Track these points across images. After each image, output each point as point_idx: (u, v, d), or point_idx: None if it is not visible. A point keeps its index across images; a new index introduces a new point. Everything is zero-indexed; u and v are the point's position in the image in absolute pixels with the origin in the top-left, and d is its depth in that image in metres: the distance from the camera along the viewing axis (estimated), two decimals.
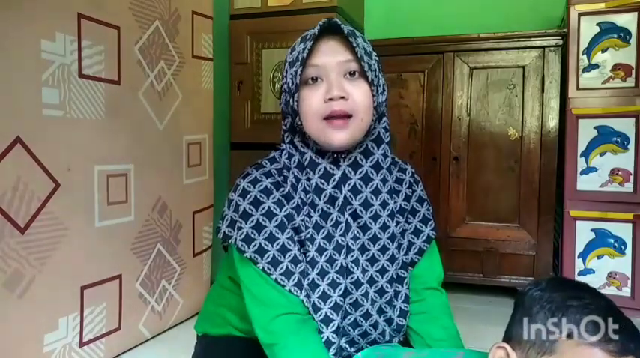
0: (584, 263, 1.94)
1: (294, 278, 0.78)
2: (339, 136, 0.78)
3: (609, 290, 1.90)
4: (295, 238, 0.80)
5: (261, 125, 2.31)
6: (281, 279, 0.77)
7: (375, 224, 0.84)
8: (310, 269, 0.80)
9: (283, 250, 0.78)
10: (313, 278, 0.80)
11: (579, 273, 1.94)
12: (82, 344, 1.36)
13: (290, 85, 0.81)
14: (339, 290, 0.80)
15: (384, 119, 0.86)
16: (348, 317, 0.83)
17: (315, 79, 0.80)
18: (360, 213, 0.83)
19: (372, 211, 0.84)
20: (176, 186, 1.72)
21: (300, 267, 0.79)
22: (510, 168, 2.02)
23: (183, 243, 1.77)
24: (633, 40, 1.85)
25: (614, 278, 1.90)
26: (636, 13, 1.84)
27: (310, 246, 0.80)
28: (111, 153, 1.44)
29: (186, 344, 1.56)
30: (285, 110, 0.85)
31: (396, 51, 2.14)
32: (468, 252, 2.08)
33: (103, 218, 1.41)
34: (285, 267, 0.78)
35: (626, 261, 1.88)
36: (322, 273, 0.80)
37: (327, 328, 0.80)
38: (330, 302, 0.80)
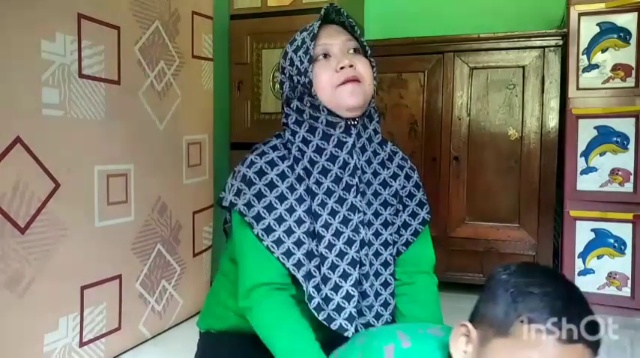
0: (584, 263, 1.94)
1: (283, 248, 0.84)
2: (353, 100, 0.87)
3: (609, 290, 1.90)
4: (300, 208, 0.86)
5: (261, 125, 2.31)
6: (271, 246, 0.84)
7: (369, 190, 0.93)
8: (325, 231, 0.87)
9: (279, 220, 0.85)
10: (328, 244, 0.87)
11: (579, 273, 1.94)
12: (82, 344, 1.36)
13: (299, 65, 0.89)
14: (347, 260, 0.88)
15: (373, 100, 0.95)
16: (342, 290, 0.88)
17: (325, 56, 0.90)
18: (362, 178, 0.91)
19: (366, 178, 0.92)
20: (176, 186, 1.72)
21: (294, 237, 0.85)
22: (510, 168, 2.02)
23: (183, 243, 1.77)
24: (633, 40, 1.85)
25: (614, 278, 1.90)
26: (636, 13, 1.84)
27: (322, 210, 0.88)
28: (111, 153, 1.44)
29: (186, 344, 1.56)
30: (292, 95, 0.92)
31: (396, 51, 2.14)
32: (468, 252, 2.08)
33: (103, 218, 1.41)
34: (277, 236, 0.84)
35: (626, 261, 1.88)
36: (329, 247, 0.87)
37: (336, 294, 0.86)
38: (339, 272, 0.87)
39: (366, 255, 0.90)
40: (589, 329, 0.57)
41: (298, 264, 0.84)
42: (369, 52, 0.94)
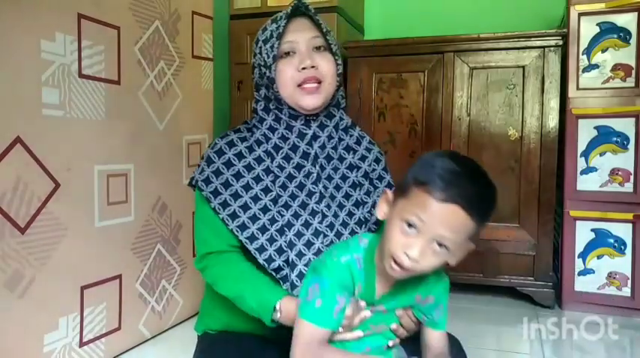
0: (584, 263, 1.94)
1: (238, 221, 0.91)
2: (311, 100, 0.92)
3: (609, 291, 1.90)
4: (257, 187, 0.93)
5: None
6: (226, 219, 0.91)
7: (336, 174, 0.98)
8: (285, 211, 0.92)
9: (235, 196, 0.92)
10: (288, 219, 0.92)
11: (579, 273, 1.94)
12: (82, 344, 1.36)
13: (266, 58, 0.93)
14: (311, 230, 0.92)
15: (341, 88, 1.00)
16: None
17: (288, 53, 0.93)
18: (324, 165, 0.97)
19: (332, 164, 0.98)
20: (176, 186, 1.72)
21: (250, 212, 0.91)
22: (510, 168, 2.02)
23: (183, 243, 1.77)
24: (633, 40, 1.85)
25: (614, 278, 1.90)
26: (636, 13, 1.84)
27: (283, 192, 0.93)
28: (111, 153, 1.44)
29: (186, 344, 1.56)
30: (260, 82, 0.97)
31: (396, 51, 2.15)
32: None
33: (103, 218, 1.41)
34: (232, 210, 0.91)
35: (626, 261, 1.88)
36: (296, 216, 0.92)
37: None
38: (304, 240, 0.92)
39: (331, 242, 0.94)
40: (477, 199, 0.70)
41: (252, 238, 0.90)
42: (335, 48, 0.96)
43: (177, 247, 1.74)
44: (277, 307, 0.83)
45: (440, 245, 0.70)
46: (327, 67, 0.93)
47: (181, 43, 1.72)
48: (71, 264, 1.31)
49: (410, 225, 0.70)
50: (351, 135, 1.03)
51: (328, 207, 0.94)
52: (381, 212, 0.78)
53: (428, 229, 0.69)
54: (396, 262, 0.71)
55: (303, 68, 0.91)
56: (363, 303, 0.78)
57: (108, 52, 1.41)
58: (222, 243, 0.93)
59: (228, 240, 0.92)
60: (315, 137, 0.96)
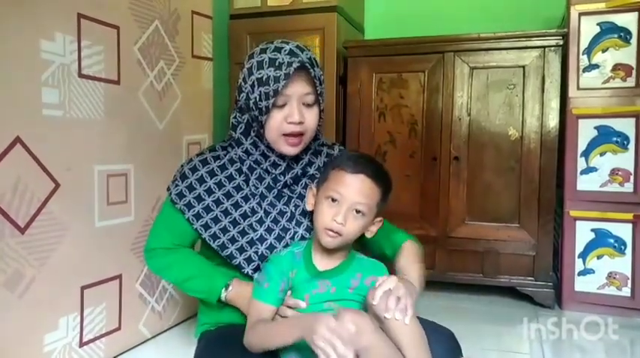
0: (584, 263, 1.94)
1: (210, 231, 1.03)
2: (291, 150, 1.02)
3: (609, 291, 1.90)
4: (227, 202, 1.03)
5: None
6: (200, 229, 1.03)
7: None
8: (258, 226, 1.03)
9: (207, 209, 1.03)
10: (261, 234, 1.03)
11: (579, 273, 1.94)
12: (82, 344, 1.36)
13: (258, 100, 0.99)
14: (274, 235, 1.04)
15: (322, 119, 1.08)
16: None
17: (282, 105, 0.99)
18: (294, 189, 1.08)
19: (302, 184, 1.08)
20: None
21: (221, 225, 1.02)
22: (510, 168, 2.02)
23: None
24: (634, 40, 1.85)
25: (614, 278, 1.90)
26: (636, 13, 1.84)
27: (260, 208, 1.04)
28: (111, 153, 1.44)
29: (186, 344, 1.56)
30: (244, 108, 1.04)
31: (396, 51, 2.14)
32: (468, 252, 2.08)
33: (103, 218, 1.41)
34: (205, 222, 1.03)
35: (626, 261, 1.88)
36: (269, 231, 1.04)
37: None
38: (266, 244, 1.03)
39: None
40: (378, 172, 0.94)
41: (222, 246, 1.02)
42: (322, 99, 1.04)
43: None
44: (229, 287, 1.00)
45: (357, 211, 0.92)
46: (311, 121, 1.01)
47: (181, 43, 1.72)
48: (71, 264, 1.31)
49: (333, 200, 0.92)
50: (321, 155, 1.13)
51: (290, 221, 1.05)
52: (309, 204, 1.00)
53: (346, 199, 0.91)
54: (329, 230, 0.91)
55: (291, 122, 0.98)
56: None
57: (107, 51, 1.41)
58: (175, 242, 1.07)
59: (183, 242, 1.07)
60: (288, 169, 1.06)
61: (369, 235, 0.99)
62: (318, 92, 1.02)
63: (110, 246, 1.44)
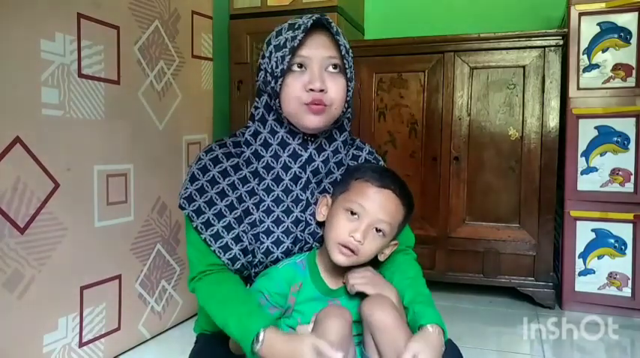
0: (584, 263, 1.94)
1: (221, 242, 0.87)
2: (314, 120, 0.86)
3: (610, 291, 1.90)
4: (240, 207, 0.89)
5: None
6: (209, 240, 0.87)
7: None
8: (265, 237, 0.90)
9: (219, 215, 0.88)
10: (268, 246, 0.90)
11: (580, 273, 1.94)
12: (81, 344, 1.36)
13: (274, 68, 0.86)
14: (291, 238, 0.90)
15: (349, 109, 0.95)
16: None
17: (300, 66, 0.86)
18: (314, 191, 0.93)
19: (322, 187, 0.94)
20: (176, 186, 1.72)
21: (234, 233, 0.87)
22: (511, 168, 2.02)
23: (182, 243, 1.76)
24: (634, 40, 1.85)
25: (615, 278, 1.90)
26: (637, 13, 1.84)
27: (267, 217, 0.90)
28: (111, 153, 1.44)
29: (185, 344, 1.55)
30: (264, 89, 0.91)
31: (396, 51, 2.14)
32: (468, 252, 2.08)
33: (103, 218, 1.41)
34: (215, 230, 0.87)
35: (626, 261, 1.88)
36: (280, 229, 0.90)
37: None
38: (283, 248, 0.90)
39: None
40: (404, 189, 0.85)
41: (234, 259, 0.87)
42: (351, 73, 0.89)
43: (177, 247, 1.74)
44: (260, 337, 0.75)
45: (378, 230, 0.82)
46: (336, 91, 0.86)
47: (181, 43, 1.72)
48: (71, 264, 1.31)
49: (352, 213, 0.82)
50: (348, 154, 0.98)
51: (313, 235, 0.91)
52: (320, 214, 0.89)
53: (368, 214, 0.82)
54: (343, 247, 0.81)
55: (311, 89, 0.84)
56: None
57: (107, 51, 1.41)
58: (206, 263, 0.88)
59: (212, 259, 0.88)
60: (309, 161, 0.91)
61: (382, 258, 0.88)
62: (345, 61, 0.88)
63: (110, 246, 1.44)
